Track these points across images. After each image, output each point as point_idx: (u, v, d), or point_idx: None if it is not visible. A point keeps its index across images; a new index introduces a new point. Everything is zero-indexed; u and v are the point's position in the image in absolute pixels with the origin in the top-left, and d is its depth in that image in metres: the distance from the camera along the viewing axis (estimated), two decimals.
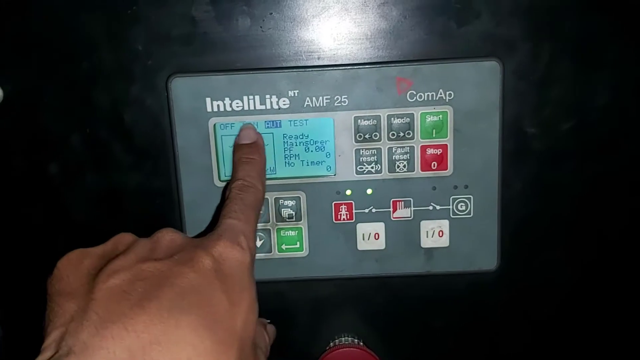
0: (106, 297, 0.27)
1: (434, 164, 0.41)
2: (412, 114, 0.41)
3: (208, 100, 0.40)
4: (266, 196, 0.42)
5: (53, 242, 0.44)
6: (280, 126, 0.41)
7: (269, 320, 0.38)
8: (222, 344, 0.26)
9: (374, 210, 0.42)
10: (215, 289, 0.28)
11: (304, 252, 0.43)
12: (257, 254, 0.35)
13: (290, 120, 0.41)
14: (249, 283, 0.30)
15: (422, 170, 0.42)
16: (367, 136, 0.41)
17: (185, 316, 0.26)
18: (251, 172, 0.38)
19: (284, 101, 0.41)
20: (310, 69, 0.40)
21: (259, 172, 0.39)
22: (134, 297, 0.26)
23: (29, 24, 0.40)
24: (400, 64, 0.40)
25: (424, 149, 0.41)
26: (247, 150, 0.40)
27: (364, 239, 0.43)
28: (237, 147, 0.41)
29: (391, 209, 0.42)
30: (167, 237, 0.31)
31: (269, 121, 0.41)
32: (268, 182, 0.42)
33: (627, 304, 0.45)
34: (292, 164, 0.42)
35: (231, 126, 0.41)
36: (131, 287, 0.27)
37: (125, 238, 0.32)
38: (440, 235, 0.43)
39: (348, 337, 0.45)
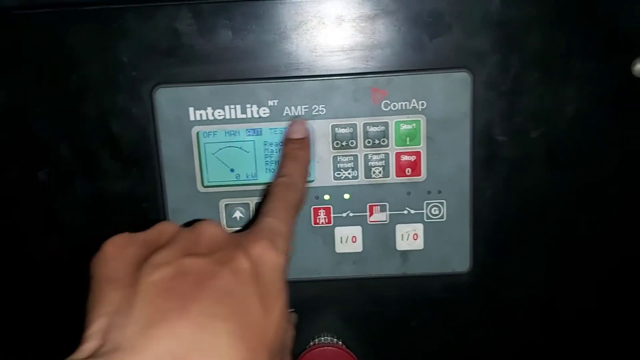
0: (150, 292, 0.27)
1: (408, 170, 0.43)
2: (387, 123, 0.42)
3: (191, 109, 0.42)
4: (247, 201, 0.44)
5: (42, 247, 0.45)
6: (261, 134, 0.43)
7: (292, 309, 0.38)
8: (254, 352, 0.27)
9: (351, 214, 0.44)
10: (250, 294, 0.29)
11: None
12: None
13: (270, 129, 0.43)
14: (282, 287, 0.31)
15: (397, 176, 0.43)
16: (344, 143, 0.43)
17: (223, 324, 0.27)
18: (296, 169, 0.39)
19: (264, 110, 0.42)
20: (289, 80, 0.42)
21: (303, 170, 0.40)
22: (176, 296, 0.27)
23: (17, 37, 0.42)
24: (375, 75, 0.42)
25: (398, 155, 0.43)
26: (296, 146, 0.41)
27: (341, 242, 0.45)
28: (286, 140, 0.42)
29: (368, 213, 0.44)
30: (209, 231, 0.31)
31: (250, 129, 0.43)
32: (249, 188, 0.44)
33: (596, 304, 0.47)
34: (273, 170, 0.44)
35: (213, 134, 0.43)
36: (174, 283, 0.27)
37: (168, 227, 0.32)
38: (415, 238, 0.44)
39: (327, 336, 0.47)
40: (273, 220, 0.34)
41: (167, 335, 0.25)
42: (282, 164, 0.40)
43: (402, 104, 0.42)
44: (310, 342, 0.47)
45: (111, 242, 0.30)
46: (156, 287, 0.27)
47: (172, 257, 0.29)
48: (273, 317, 0.29)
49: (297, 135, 0.41)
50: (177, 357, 0.25)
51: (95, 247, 0.44)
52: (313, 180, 0.44)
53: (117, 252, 0.30)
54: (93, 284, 0.29)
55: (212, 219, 0.33)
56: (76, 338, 0.47)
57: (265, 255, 0.30)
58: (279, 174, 0.39)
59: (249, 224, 0.43)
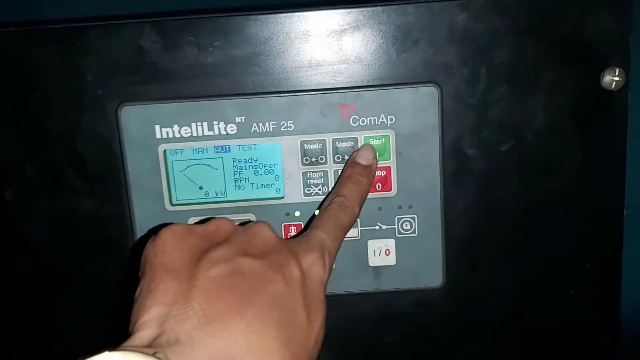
0: (208, 287, 0.28)
1: (379, 185, 0.43)
2: (356, 138, 0.42)
3: (157, 127, 0.42)
4: None
5: (8, 267, 0.44)
6: (230, 151, 0.42)
7: None
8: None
9: None
10: (298, 304, 0.29)
11: None
12: None
13: (239, 145, 0.42)
14: (324, 301, 0.32)
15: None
16: (313, 159, 0.42)
17: (274, 330, 0.27)
18: (355, 193, 0.39)
19: (231, 127, 0.42)
20: (256, 96, 0.42)
21: (362, 197, 0.40)
22: (233, 296, 0.28)
23: None
24: (343, 90, 0.42)
25: None
26: (360, 171, 0.41)
27: None
28: (351, 163, 0.41)
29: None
30: (262, 233, 0.32)
31: (218, 146, 0.42)
32: (219, 206, 0.43)
33: (571, 317, 0.46)
34: (242, 187, 0.43)
35: (181, 152, 0.42)
36: (231, 282, 0.28)
37: (225, 224, 0.32)
38: (387, 253, 0.44)
39: None
40: (325, 236, 0.34)
41: (223, 334, 0.26)
42: (341, 184, 0.40)
43: (370, 119, 0.42)
44: None
45: (170, 230, 0.30)
46: (214, 284, 0.28)
47: (229, 255, 0.30)
48: (315, 327, 0.30)
49: (363, 161, 0.41)
50: (232, 357, 0.26)
51: (63, 267, 0.44)
52: (283, 197, 0.43)
53: (176, 241, 0.30)
54: (148, 270, 0.29)
55: (265, 221, 0.33)
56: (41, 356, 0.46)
57: (315, 267, 0.32)
58: (337, 192, 0.39)
59: None
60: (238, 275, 0.29)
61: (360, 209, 0.39)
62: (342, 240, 0.36)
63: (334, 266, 0.34)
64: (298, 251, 0.32)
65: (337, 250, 0.35)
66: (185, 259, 0.29)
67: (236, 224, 0.33)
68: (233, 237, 0.31)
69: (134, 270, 0.31)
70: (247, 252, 0.30)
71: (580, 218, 0.44)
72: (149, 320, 0.27)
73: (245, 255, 0.30)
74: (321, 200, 0.43)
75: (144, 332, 0.26)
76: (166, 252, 0.29)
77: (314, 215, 0.43)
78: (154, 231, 0.42)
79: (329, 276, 0.33)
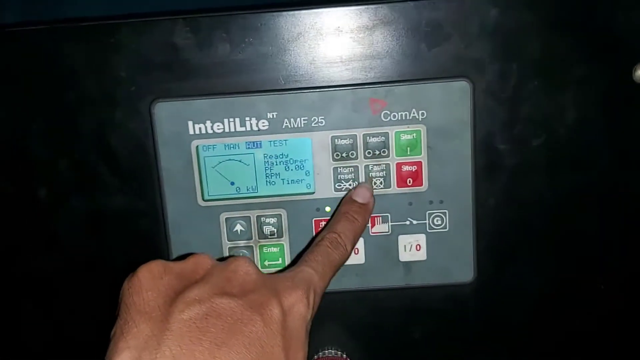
0: (180, 330, 0.27)
1: (410, 180, 0.43)
2: (387, 133, 0.42)
3: (190, 123, 0.42)
4: (248, 214, 0.44)
5: (41, 264, 0.45)
6: (261, 146, 0.43)
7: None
8: None
9: None
10: (276, 345, 0.29)
11: None
12: None
13: (270, 141, 0.42)
14: (305, 342, 0.31)
15: (398, 186, 0.43)
16: (344, 155, 0.43)
17: None
18: (349, 231, 0.39)
19: (263, 123, 0.42)
20: (287, 92, 0.42)
21: (355, 235, 0.39)
22: (206, 338, 0.27)
23: (13, 55, 0.41)
24: (374, 86, 0.42)
25: (399, 166, 0.43)
26: (355, 209, 0.40)
27: None
28: (348, 200, 0.41)
29: (370, 225, 0.44)
30: (242, 269, 0.31)
31: (250, 142, 0.42)
32: (250, 201, 0.43)
33: (600, 314, 0.46)
34: (273, 183, 0.43)
35: (213, 148, 0.42)
36: (205, 323, 0.28)
37: (203, 262, 0.32)
38: (418, 249, 0.44)
39: (331, 349, 0.46)
40: (312, 272, 0.34)
41: None
42: (336, 220, 0.40)
43: (402, 114, 0.42)
44: (314, 355, 0.46)
45: (147, 269, 0.30)
46: (187, 326, 0.27)
47: (205, 294, 0.29)
48: None
49: (360, 199, 0.41)
50: None
51: (95, 264, 0.45)
52: (313, 192, 0.43)
53: (152, 281, 0.29)
54: (123, 311, 0.29)
55: (246, 256, 0.33)
56: (72, 355, 0.47)
57: (297, 306, 0.31)
58: (331, 229, 0.38)
59: (250, 238, 0.44)
60: (213, 316, 0.28)
61: (352, 248, 0.38)
62: (330, 278, 0.35)
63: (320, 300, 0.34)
64: (280, 289, 0.31)
65: (325, 288, 0.34)
66: (159, 300, 0.28)
67: (215, 259, 0.32)
68: (211, 275, 0.31)
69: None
70: (225, 291, 0.30)
71: (611, 213, 0.44)
72: None
73: (223, 295, 0.29)
74: None
75: None
76: (141, 292, 0.29)
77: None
78: (187, 227, 0.43)
79: (312, 315, 0.32)
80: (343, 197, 0.42)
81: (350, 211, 0.40)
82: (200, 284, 0.30)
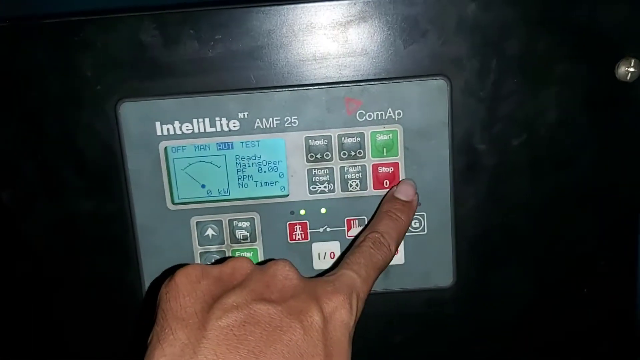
0: (217, 338, 0.26)
1: (386, 182, 0.42)
2: (363, 133, 0.41)
3: (158, 124, 0.40)
4: (220, 218, 0.42)
5: (8, 269, 0.43)
6: (233, 148, 0.41)
7: None
8: None
9: (328, 229, 0.42)
10: (317, 354, 0.28)
11: None
12: None
13: (242, 142, 0.41)
14: (348, 349, 0.30)
15: (374, 188, 0.42)
16: (318, 156, 0.41)
17: None
18: (392, 230, 0.37)
19: (234, 123, 0.41)
20: (259, 91, 0.40)
21: (399, 234, 0.37)
22: (243, 347, 0.26)
23: None
24: (348, 85, 0.40)
25: (375, 167, 0.41)
26: (399, 207, 0.39)
27: (319, 259, 0.43)
28: (390, 197, 0.40)
29: (346, 228, 0.42)
30: (283, 273, 0.31)
31: (221, 143, 0.41)
32: (221, 204, 0.42)
33: (582, 317, 0.45)
34: (246, 185, 0.42)
35: (182, 149, 0.41)
36: (242, 331, 0.27)
37: (242, 265, 0.31)
38: (396, 252, 0.43)
39: None
40: (355, 276, 0.32)
41: None
42: (378, 219, 0.38)
43: (377, 114, 0.40)
44: None
45: (184, 273, 0.29)
46: (224, 334, 0.27)
47: (243, 300, 0.28)
48: None
49: (403, 197, 0.39)
50: None
51: (63, 268, 0.43)
52: (287, 195, 0.42)
53: (190, 286, 0.29)
54: (160, 317, 0.28)
55: (286, 260, 0.31)
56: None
57: (339, 312, 0.30)
58: (372, 228, 0.37)
59: (222, 242, 0.42)
60: (251, 323, 0.27)
61: (396, 248, 0.37)
62: (374, 281, 0.34)
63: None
64: (321, 294, 0.30)
65: (368, 292, 0.33)
66: (197, 306, 0.28)
67: (255, 262, 0.32)
68: (249, 280, 0.30)
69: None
70: (263, 297, 0.29)
71: (594, 214, 0.43)
72: None
73: (261, 301, 0.28)
74: (326, 197, 0.42)
75: None
76: (179, 297, 0.28)
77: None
78: (157, 231, 0.42)
79: (355, 321, 0.31)
80: (384, 195, 0.41)
81: (392, 209, 0.38)
82: (238, 289, 0.29)
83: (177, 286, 0.29)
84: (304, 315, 0.28)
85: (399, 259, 0.43)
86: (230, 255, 0.42)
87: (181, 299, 0.28)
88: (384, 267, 0.35)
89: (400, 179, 0.41)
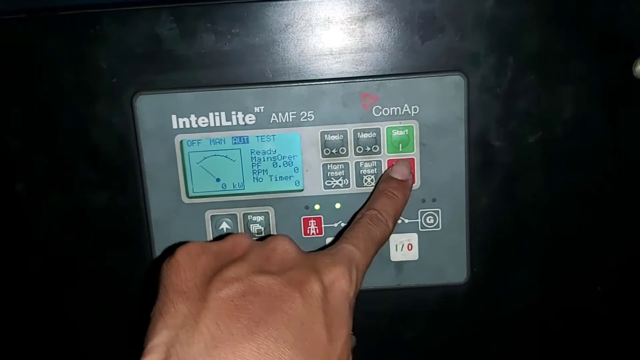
0: (218, 308, 0.27)
1: None
2: (379, 129, 0.41)
3: (174, 117, 0.40)
4: (234, 212, 0.42)
5: (21, 261, 0.43)
6: (248, 142, 0.41)
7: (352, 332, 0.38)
8: None
9: (342, 224, 0.42)
10: (318, 321, 0.28)
11: None
12: None
13: (257, 136, 0.41)
14: (348, 318, 0.30)
15: (383, 173, 0.41)
16: (334, 151, 0.41)
17: (289, 351, 0.26)
18: (389, 207, 0.38)
19: (250, 117, 0.40)
20: (275, 85, 0.40)
21: (396, 211, 0.38)
22: (244, 316, 0.27)
23: None
24: (365, 80, 0.40)
25: (391, 163, 0.41)
26: (394, 186, 0.39)
27: None
28: (386, 177, 0.40)
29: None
30: (281, 247, 0.31)
31: (236, 137, 0.41)
32: (236, 198, 0.42)
33: (595, 315, 0.45)
34: (261, 179, 0.42)
35: (198, 142, 0.41)
36: (243, 301, 0.27)
37: (242, 240, 0.31)
38: (410, 248, 0.43)
39: None
40: (353, 249, 0.33)
41: (231, 357, 0.25)
42: (375, 197, 0.39)
43: (393, 109, 0.40)
44: None
45: (185, 249, 0.30)
46: (225, 304, 0.27)
47: (243, 272, 0.29)
48: (337, 346, 0.28)
49: (398, 176, 0.40)
50: None
51: (77, 261, 0.43)
52: (302, 190, 0.42)
53: (190, 261, 0.29)
54: (162, 292, 0.28)
55: (285, 235, 0.32)
56: (52, 353, 0.46)
57: (338, 282, 0.30)
58: (370, 206, 0.37)
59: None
60: (251, 294, 0.28)
61: (394, 225, 0.37)
62: (373, 255, 0.34)
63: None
64: (320, 265, 0.30)
65: (368, 265, 0.33)
66: (197, 280, 0.28)
67: (254, 238, 0.32)
68: (249, 253, 0.30)
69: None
70: (263, 269, 0.29)
71: (608, 212, 0.43)
72: (157, 345, 0.26)
73: (261, 273, 0.29)
74: (341, 192, 0.42)
75: (151, 357, 0.25)
76: (179, 273, 0.28)
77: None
78: (171, 225, 0.42)
79: (356, 292, 0.31)
80: (381, 176, 0.41)
81: (389, 188, 0.39)
82: (238, 262, 0.29)
83: (177, 262, 0.29)
84: (303, 286, 0.29)
85: (413, 254, 0.43)
86: None
87: (182, 273, 0.28)
88: (383, 242, 0.36)
89: (414, 175, 0.41)
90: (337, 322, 0.29)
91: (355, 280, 0.31)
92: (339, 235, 0.36)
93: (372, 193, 0.40)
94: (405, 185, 0.40)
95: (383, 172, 0.41)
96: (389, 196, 0.38)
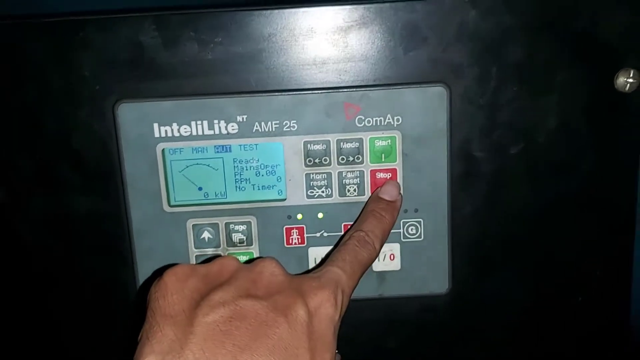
0: (204, 333, 0.27)
1: None
2: (362, 139, 0.41)
3: (156, 125, 0.40)
4: (216, 221, 0.42)
5: (1, 267, 0.43)
6: (231, 151, 0.41)
7: (337, 351, 0.38)
8: None
9: (325, 234, 0.42)
10: (302, 346, 0.28)
11: None
12: None
13: (240, 145, 0.41)
14: (332, 342, 0.30)
15: (372, 193, 0.42)
16: (317, 160, 0.41)
17: None
18: (376, 229, 0.38)
19: (232, 126, 0.40)
20: (258, 94, 0.40)
21: (384, 232, 0.38)
22: (230, 342, 0.27)
23: None
24: (348, 90, 0.40)
25: (373, 173, 0.41)
26: (383, 207, 0.39)
27: (315, 263, 0.43)
28: (375, 198, 0.40)
29: (342, 233, 0.42)
30: (269, 270, 0.31)
31: (219, 146, 0.41)
32: (218, 207, 0.42)
33: (577, 325, 0.45)
34: (243, 188, 0.42)
35: (180, 151, 0.41)
36: (229, 326, 0.28)
37: (229, 263, 0.32)
38: (392, 258, 0.43)
39: None
40: (340, 272, 0.33)
41: None
42: (363, 218, 0.39)
43: (376, 120, 0.40)
44: None
45: (173, 272, 0.30)
46: (211, 329, 0.27)
47: (230, 297, 0.29)
48: None
49: (387, 197, 0.40)
50: None
51: (57, 269, 0.43)
52: (285, 199, 0.42)
53: (178, 284, 0.29)
54: (149, 315, 0.29)
55: (272, 258, 0.32)
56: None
57: (324, 306, 0.30)
58: (357, 227, 0.38)
59: (218, 245, 0.42)
60: (238, 319, 0.28)
61: (381, 246, 0.37)
62: (359, 278, 0.35)
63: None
64: (306, 290, 0.30)
65: (354, 288, 0.34)
66: (184, 303, 0.28)
67: (242, 261, 0.33)
68: (236, 277, 0.30)
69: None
70: (250, 293, 0.29)
71: (591, 222, 0.43)
72: None
73: (248, 297, 0.29)
74: (323, 202, 0.42)
75: None
76: (166, 296, 0.29)
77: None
78: (152, 234, 0.41)
79: (341, 315, 0.32)
80: (370, 197, 0.41)
81: (377, 209, 0.39)
82: (225, 286, 0.30)
83: (165, 285, 0.29)
84: (289, 310, 0.29)
85: (395, 264, 0.43)
86: None
87: (169, 297, 0.29)
88: (369, 264, 0.36)
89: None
90: (321, 347, 0.29)
91: (340, 304, 0.31)
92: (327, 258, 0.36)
93: (360, 213, 0.41)
94: (393, 206, 0.40)
95: (365, 181, 0.41)
96: (377, 217, 0.39)
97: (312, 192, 0.42)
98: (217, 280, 0.30)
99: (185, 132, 0.40)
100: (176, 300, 0.28)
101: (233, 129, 0.40)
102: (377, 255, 0.37)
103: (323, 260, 0.39)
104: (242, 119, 0.40)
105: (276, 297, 0.29)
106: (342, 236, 0.38)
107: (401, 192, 0.41)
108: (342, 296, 0.32)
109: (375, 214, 0.39)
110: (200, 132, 0.40)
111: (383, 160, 0.41)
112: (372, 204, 0.40)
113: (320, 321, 0.30)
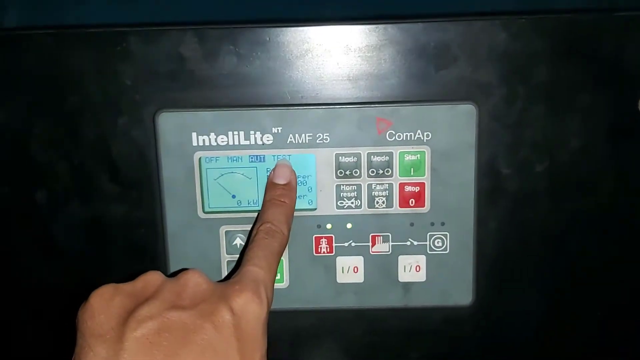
0: (134, 348, 0.28)
1: (412, 201, 0.43)
2: (392, 153, 0.42)
3: (194, 134, 0.42)
4: (248, 228, 0.43)
5: (38, 271, 0.44)
6: (264, 161, 0.42)
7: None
8: None
9: (353, 244, 0.44)
10: (231, 348, 0.29)
11: (285, 284, 0.44)
12: None
13: (273, 156, 0.42)
14: (262, 339, 0.32)
15: (400, 206, 0.43)
16: (347, 172, 0.42)
17: None
18: (280, 215, 0.39)
19: (267, 137, 0.42)
20: (293, 107, 0.42)
21: (287, 216, 0.39)
22: (159, 353, 0.28)
23: (19, 58, 0.41)
24: (380, 105, 0.41)
25: (402, 186, 0.43)
26: (280, 192, 0.40)
27: (343, 272, 0.44)
28: (270, 185, 0.41)
29: (370, 244, 0.43)
30: (193, 280, 0.32)
31: (253, 156, 0.42)
32: (251, 215, 0.43)
33: (600, 340, 0.46)
34: None
35: (216, 160, 0.42)
36: (157, 338, 0.29)
37: (153, 279, 0.32)
38: (417, 270, 0.44)
39: None
40: (256, 270, 0.34)
41: None
42: (264, 209, 0.40)
43: (407, 135, 0.42)
44: None
45: (98, 293, 0.31)
46: (140, 343, 0.28)
47: (156, 310, 0.30)
48: None
49: (281, 180, 0.41)
50: None
51: (92, 272, 0.44)
52: (315, 209, 0.43)
53: (104, 303, 0.30)
54: (79, 337, 0.29)
55: (196, 269, 0.33)
56: None
57: (248, 306, 0.31)
58: (261, 219, 0.38)
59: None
60: (166, 330, 0.29)
61: (289, 230, 0.38)
62: (277, 267, 0.36)
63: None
64: (229, 294, 0.31)
65: (274, 279, 0.35)
66: (112, 322, 0.29)
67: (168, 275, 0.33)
68: (161, 291, 0.31)
69: None
70: (176, 304, 0.30)
71: (612, 241, 0.44)
72: None
73: (174, 308, 0.30)
74: (352, 213, 0.43)
75: None
76: (94, 316, 0.29)
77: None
78: (186, 239, 0.43)
79: (268, 309, 0.33)
80: (265, 184, 0.42)
81: (275, 196, 0.40)
82: (151, 300, 0.30)
83: (91, 306, 0.30)
84: (214, 316, 0.30)
85: (420, 276, 0.44)
86: None
87: (97, 317, 0.29)
88: (282, 251, 0.37)
89: (424, 198, 0.43)
90: (250, 346, 0.30)
91: (265, 300, 0.32)
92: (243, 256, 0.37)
93: (262, 204, 0.41)
94: (290, 188, 0.41)
95: (394, 194, 0.42)
96: (277, 204, 0.40)
97: (342, 203, 0.43)
98: (143, 296, 0.31)
99: (222, 141, 0.42)
100: (104, 319, 0.29)
101: (268, 140, 0.42)
102: (287, 239, 0.38)
103: (239, 261, 0.40)
104: (277, 130, 0.42)
105: (201, 306, 0.30)
106: (250, 231, 0.39)
107: (292, 167, 0.41)
108: (265, 291, 0.33)
109: (275, 202, 0.40)
110: (236, 142, 0.42)
111: (412, 174, 0.42)
112: (269, 192, 0.41)
113: (247, 322, 0.31)
